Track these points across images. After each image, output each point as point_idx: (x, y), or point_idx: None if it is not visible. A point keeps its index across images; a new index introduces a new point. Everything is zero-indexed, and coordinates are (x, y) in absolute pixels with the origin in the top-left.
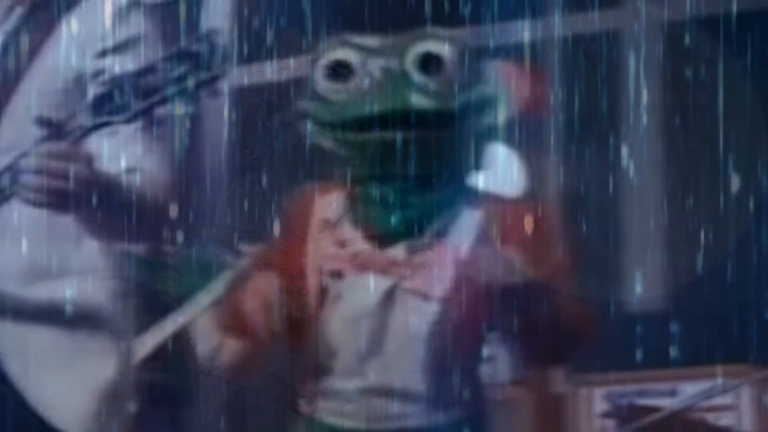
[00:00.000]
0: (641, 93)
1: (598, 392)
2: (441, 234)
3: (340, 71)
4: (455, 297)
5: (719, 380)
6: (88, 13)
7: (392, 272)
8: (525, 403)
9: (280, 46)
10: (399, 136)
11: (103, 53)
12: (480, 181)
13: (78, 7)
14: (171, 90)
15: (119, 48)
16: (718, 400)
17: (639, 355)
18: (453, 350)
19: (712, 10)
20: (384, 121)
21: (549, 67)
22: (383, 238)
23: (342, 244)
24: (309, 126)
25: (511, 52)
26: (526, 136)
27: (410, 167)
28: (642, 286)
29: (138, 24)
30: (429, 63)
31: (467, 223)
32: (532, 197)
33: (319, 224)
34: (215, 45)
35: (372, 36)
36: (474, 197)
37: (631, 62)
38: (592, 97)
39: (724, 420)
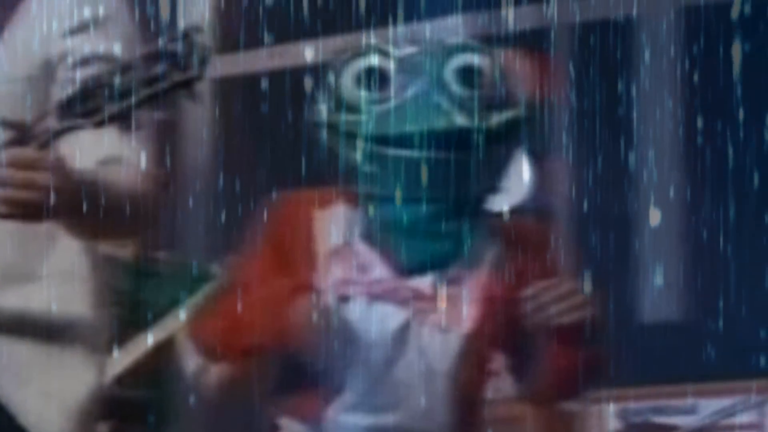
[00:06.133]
0: (658, 86)
1: (611, 409)
2: (472, 267)
3: (373, 80)
4: (480, 335)
5: (742, 396)
6: None
7: (415, 304)
8: (533, 421)
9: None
10: (437, 155)
11: (70, 33)
12: (516, 207)
13: None
14: (146, 92)
15: (86, 27)
16: (741, 418)
17: (655, 369)
18: (473, 392)
19: None
20: (422, 138)
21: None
22: (409, 267)
23: (361, 268)
24: (329, 134)
25: (520, 39)
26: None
27: (445, 190)
28: (659, 295)
29: (106, 2)
30: (469, 77)
31: (501, 256)
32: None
33: (323, 239)
34: (194, 44)
35: (405, 45)
36: (510, 226)
37: (646, 52)
38: (604, 91)
39: None
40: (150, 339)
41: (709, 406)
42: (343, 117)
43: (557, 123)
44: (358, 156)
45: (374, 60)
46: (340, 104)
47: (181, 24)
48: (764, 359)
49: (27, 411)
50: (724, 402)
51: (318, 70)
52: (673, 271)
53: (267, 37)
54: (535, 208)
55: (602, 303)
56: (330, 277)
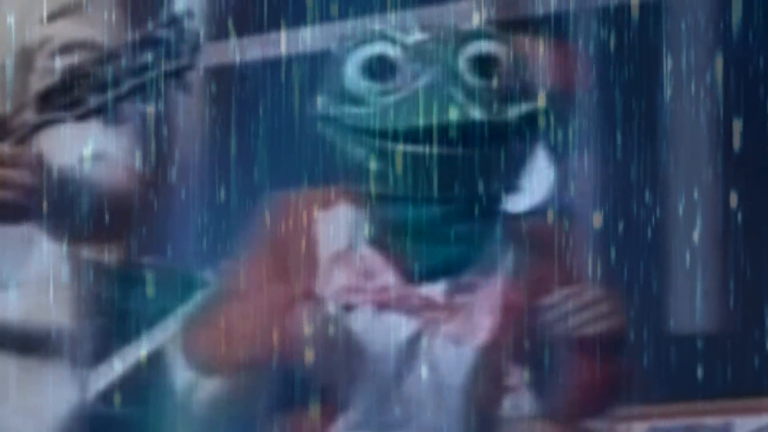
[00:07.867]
0: (691, 76)
1: (639, 428)
2: (488, 273)
3: (380, 69)
4: (497, 347)
5: None
6: None
7: (426, 314)
8: None
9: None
10: (449, 151)
11: (50, 18)
12: (536, 208)
13: None
14: (132, 82)
15: (67, 12)
16: None
17: (687, 384)
18: (489, 409)
19: None
20: (433, 132)
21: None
22: (419, 273)
23: (366, 274)
24: (332, 128)
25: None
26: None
27: (458, 190)
28: (691, 304)
29: None
30: (484, 66)
31: (519, 261)
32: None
33: (325, 243)
34: (184, 30)
35: (415, 31)
36: (529, 228)
37: (677, 38)
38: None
39: None
40: (137, 351)
41: (746, 425)
42: (348, 110)
43: (580, 116)
44: (364, 152)
45: (381, 47)
46: (343, 96)
47: (171, 8)
48: None
49: (4, 430)
50: (763, 420)
51: (320, 59)
52: (707, 277)
53: (264, 23)
54: (556, 208)
55: (629, 312)
56: (333, 284)
